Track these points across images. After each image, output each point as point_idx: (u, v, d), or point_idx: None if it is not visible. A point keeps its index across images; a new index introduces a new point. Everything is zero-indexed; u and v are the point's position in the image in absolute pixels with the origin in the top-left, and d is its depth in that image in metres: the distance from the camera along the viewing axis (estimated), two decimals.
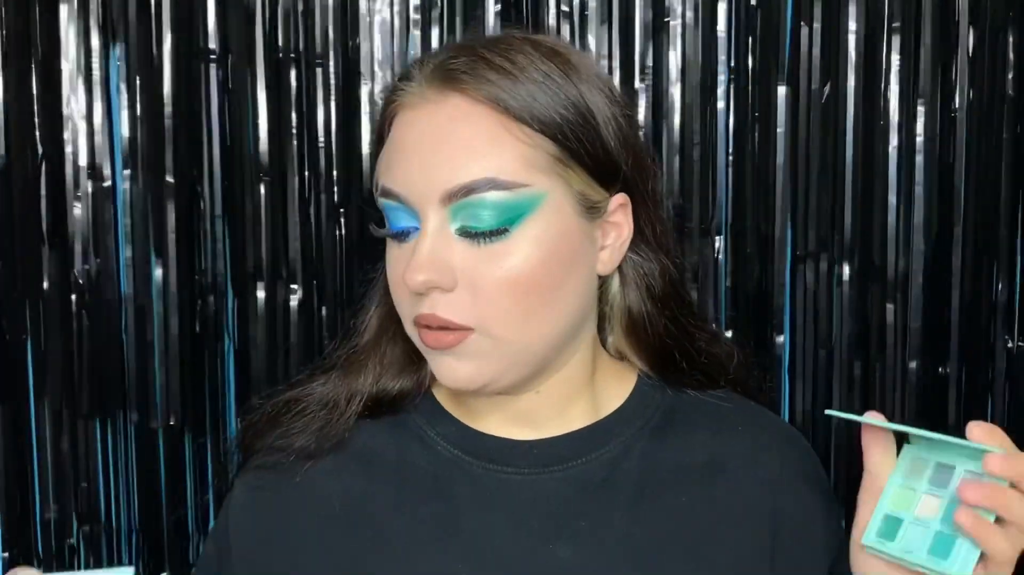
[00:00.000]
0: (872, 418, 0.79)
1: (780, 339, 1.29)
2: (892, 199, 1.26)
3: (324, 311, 1.29)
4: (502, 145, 0.78)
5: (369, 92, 1.26)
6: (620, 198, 0.84)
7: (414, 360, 0.88)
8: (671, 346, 0.89)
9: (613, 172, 0.82)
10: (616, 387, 0.89)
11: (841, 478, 1.30)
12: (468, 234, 0.77)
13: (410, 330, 0.83)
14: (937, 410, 1.30)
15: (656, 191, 0.88)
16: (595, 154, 0.81)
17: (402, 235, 0.80)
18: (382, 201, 0.81)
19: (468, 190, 0.76)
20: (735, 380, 0.93)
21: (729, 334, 1.29)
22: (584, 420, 0.87)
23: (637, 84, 1.26)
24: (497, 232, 0.77)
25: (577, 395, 0.86)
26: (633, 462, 0.85)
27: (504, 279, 0.78)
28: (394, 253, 0.82)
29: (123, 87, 1.26)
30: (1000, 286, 1.29)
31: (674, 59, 1.26)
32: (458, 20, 1.26)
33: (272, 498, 0.88)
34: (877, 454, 0.80)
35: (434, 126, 0.78)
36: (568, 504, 0.83)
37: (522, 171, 0.78)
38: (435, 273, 0.77)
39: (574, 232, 0.81)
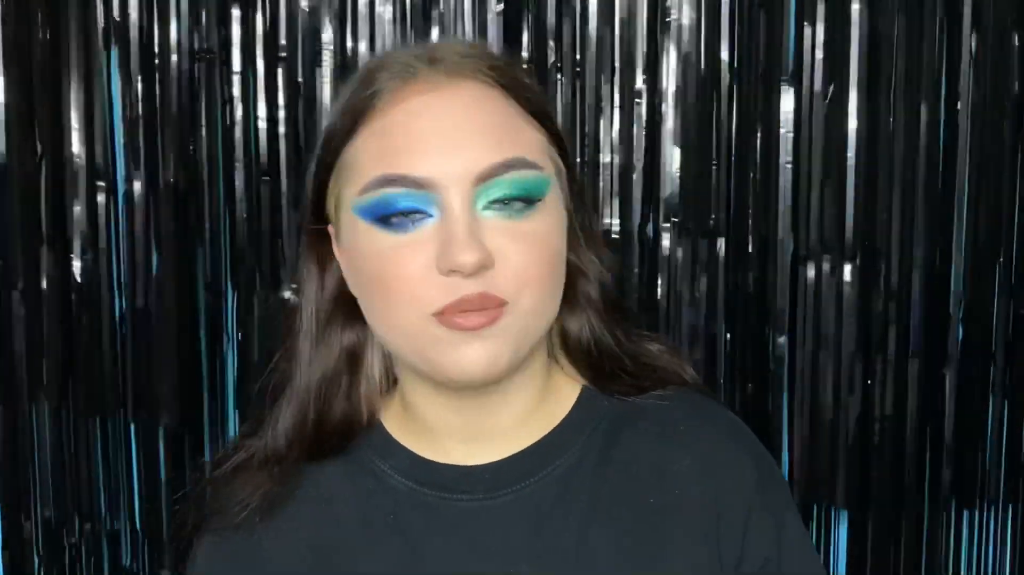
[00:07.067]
0: None
1: (780, 339, 1.29)
2: (894, 200, 1.26)
3: None
4: (521, 128, 0.79)
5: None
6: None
7: (351, 391, 0.87)
8: (602, 356, 0.88)
9: (567, 159, 0.84)
10: (562, 396, 0.88)
11: (848, 477, 1.30)
12: (500, 205, 0.77)
13: (420, 325, 0.78)
14: (937, 410, 1.30)
15: (578, 183, 0.87)
16: (560, 141, 0.82)
17: (403, 223, 0.77)
18: (381, 192, 0.77)
19: (503, 168, 0.76)
20: (667, 380, 0.90)
21: (729, 335, 1.29)
22: (537, 433, 0.85)
23: (638, 84, 1.26)
24: (527, 202, 0.77)
25: (535, 404, 0.85)
26: (585, 475, 0.84)
27: (537, 251, 0.78)
28: (389, 245, 0.77)
29: (123, 87, 1.25)
30: (1000, 286, 1.29)
31: (675, 59, 1.25)
32: (458, 20, 1.25)
33: (237, 558, 0.86)
34: None
35: (453, 109, 0.78)
36: (525, 525, 0.82)
37: (537, 154, 0.79)
38: (482, 251, 0.75)
39: (564, 217, 0.82)
